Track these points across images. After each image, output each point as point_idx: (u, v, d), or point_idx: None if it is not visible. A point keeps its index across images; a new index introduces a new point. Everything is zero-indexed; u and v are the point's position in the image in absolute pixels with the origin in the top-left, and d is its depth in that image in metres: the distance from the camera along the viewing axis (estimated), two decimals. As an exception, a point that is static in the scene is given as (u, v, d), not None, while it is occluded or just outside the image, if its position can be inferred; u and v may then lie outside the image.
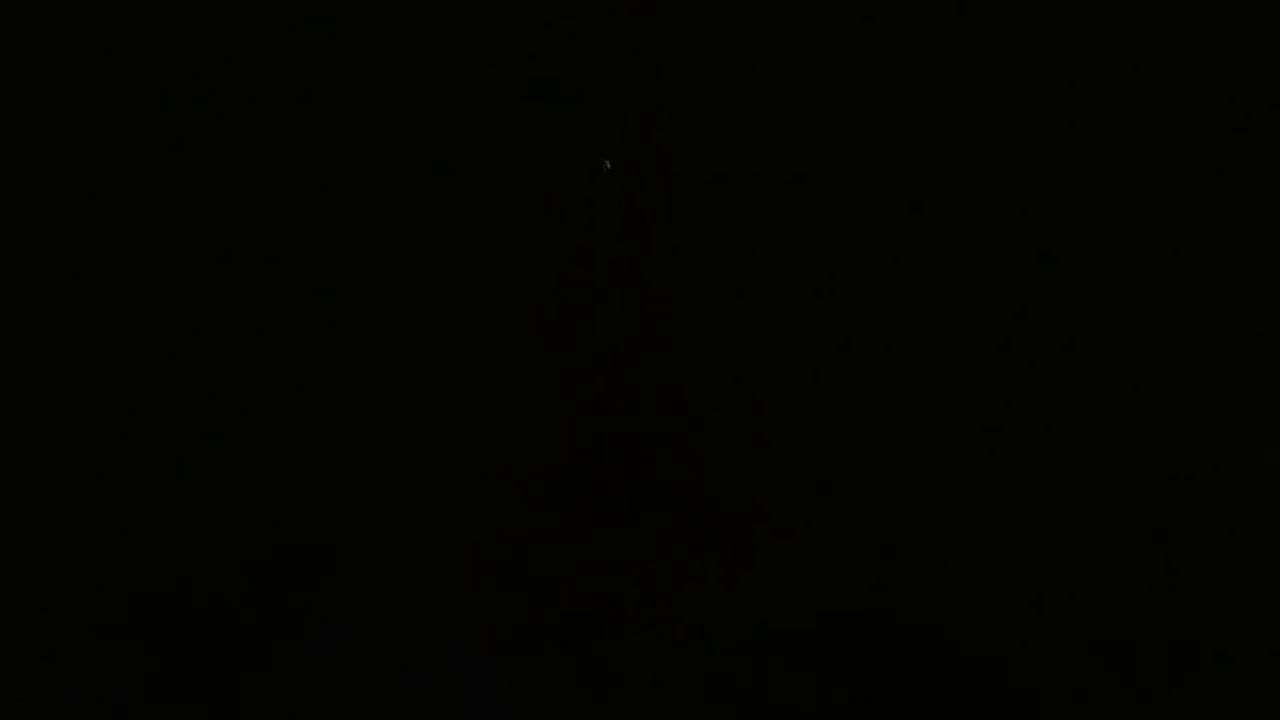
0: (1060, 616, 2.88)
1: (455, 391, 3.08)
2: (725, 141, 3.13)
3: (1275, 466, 2.92)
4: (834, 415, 3.04)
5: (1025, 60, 3.08)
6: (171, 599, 2.91)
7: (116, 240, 3.09)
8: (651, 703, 2.84)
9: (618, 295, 3.12)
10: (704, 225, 3.13)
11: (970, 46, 3.09)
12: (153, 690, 2.83)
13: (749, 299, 3.10)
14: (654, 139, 3.14)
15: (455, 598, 2.93)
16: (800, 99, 3.13)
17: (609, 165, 3.12)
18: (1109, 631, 2.86)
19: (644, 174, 3.14)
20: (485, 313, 3.11)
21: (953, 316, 3.06)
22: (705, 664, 2.87)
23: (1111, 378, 3.00)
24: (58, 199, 3.09)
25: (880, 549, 2.95)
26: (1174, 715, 2.79)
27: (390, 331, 3.09)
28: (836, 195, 3.11)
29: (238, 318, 3.08)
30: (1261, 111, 3.02)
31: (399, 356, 3.09)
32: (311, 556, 2.95)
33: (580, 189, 3.14)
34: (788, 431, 3.04)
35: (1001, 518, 2.96)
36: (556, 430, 3.05)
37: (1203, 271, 3.01)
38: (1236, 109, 3.03)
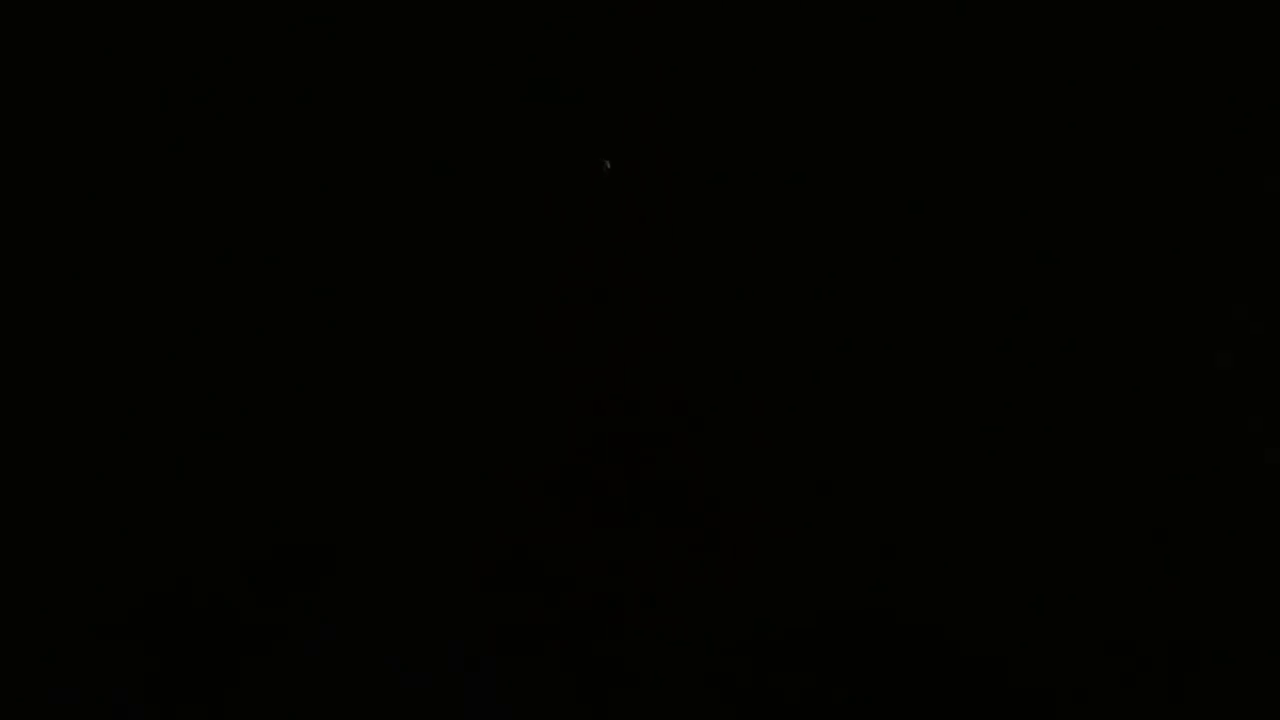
0: (1060, 616, 2.88)
1: (456, 391, 3.08)
2: (725, 141, 3.13)
3: (1275, 466, 2.92)
4: (834, 415, 3.04)
5: (1025, 60, 3.08)
6: (171, 599, 2.91)
7: (116, 241, 3.09)
8: (651, 703, 2.84)
9: (618, 295, 3.12)
10: (704, 225, 3.13)
11: (970, 46, 3.09)
12: (153, 690, 2.83)
13: (749, 299, 3.10)
14: (654, 139, 3.14)
15: (455, 598, 2.93)
16: (800, 99, 3.13)
17: (609, 165, 3.12)
18: (1109, 631, 2.86)
19: (644, 174, 3.14)
20: (485, 313, 3.11)
21: (952, 316, 3.05)
22: (705, 664, 2.87)
23: (1111, 378, 3.00)
24: (57, 199, 3.09)
25: (880, 549, 2.95)
26: (1174, 715, 2.79)
27: (391, 332, 3.09)
28: (836, 195, 3.11)
29: (238, 318, 3.08)
30: (1261, 111, 3.02)
31: (400, 357, 3.09)
32: (311, 556, 2.95)
33: (580, 189, 3.14)
34: (788, 431, 3.04)
35: (1001, 518, 2.95)
36: (557, 430, 3.05)
37: (1203, 271, 3.01)
38: (1236, 109, 3.03)
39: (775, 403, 3.06)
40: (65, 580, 2.91)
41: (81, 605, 2.89)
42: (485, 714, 2.83)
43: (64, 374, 3.04)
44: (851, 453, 3.02)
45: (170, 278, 3.09)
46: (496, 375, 3.09)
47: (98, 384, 3.03)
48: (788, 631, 2.89)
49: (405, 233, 3.13)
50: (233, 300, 3.09)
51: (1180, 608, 2.86)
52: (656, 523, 2.98)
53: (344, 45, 3.13)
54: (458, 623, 2.91)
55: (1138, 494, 2.94)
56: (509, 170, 3.14)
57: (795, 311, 3.09)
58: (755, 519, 2.99)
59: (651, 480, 3.01)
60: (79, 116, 3.10)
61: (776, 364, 3.07)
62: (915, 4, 3.10)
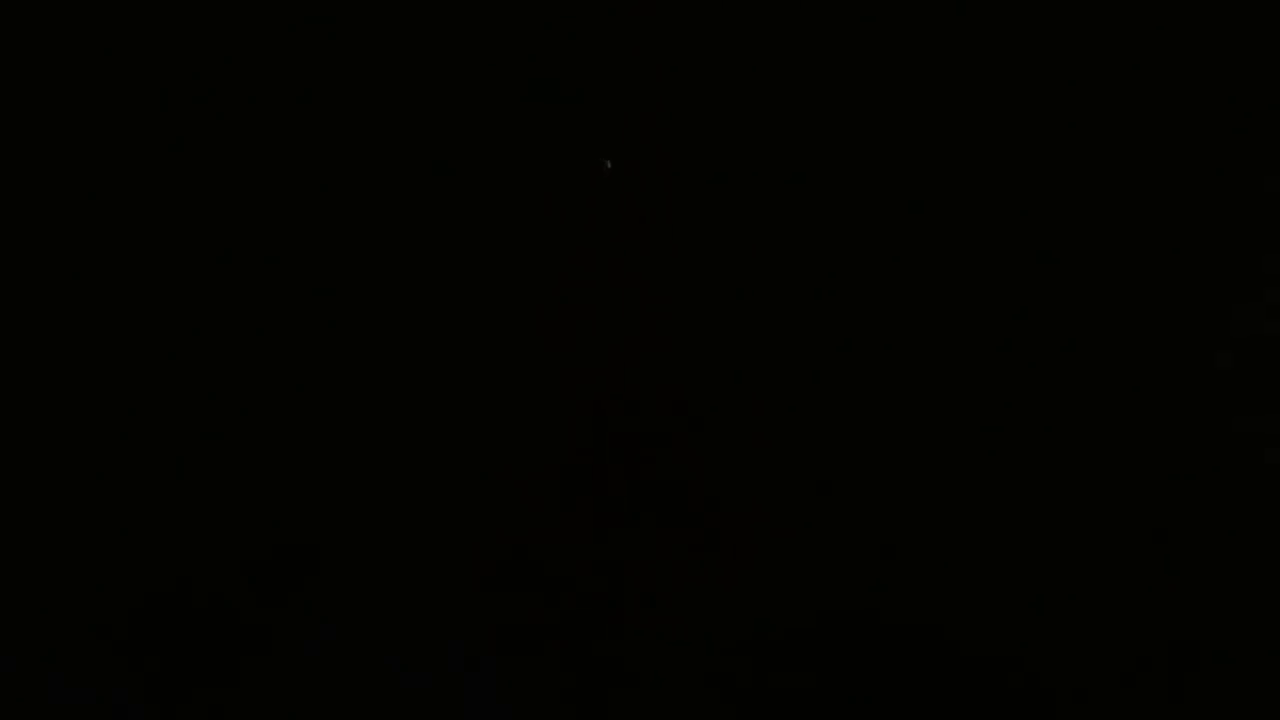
0: (1060, 617, 2.88)
1: (456, 392, 3.08)
2: (725, 141, 3.13)
3: (1275, 466, 2.92)
4: (834, 415, 3.04)
5: (1025, 60, 3.08)
6: (171, 599, 2.91)
7: (116, 241, 3.09)
8: (651, 703, 2.84)
9: (618, 295, 3.12)
10: (704, 225, 3.13)
11: (970, 46, 3.09)
12: (153, 690, 2.83)
13: (749, 299, 3.10)
14: (654, 139, 3.14)
15: (455, 598, 2.93)
16: (800, 99, 3.13)
17: (609, 165, 3.12)
18: (1109, 631, 2.86)
19: (644, 174, 3.14)
20: (486, 313, 3.11)
21: (953, 316, 3.06)
22: (705, 664, 2.87)
23: (1111, 378, 3.00)
24: (57, 199, 3.09)
25: (880, 549, 2.95)
26: (1174, 715, 2.79)
27: (391, 332, 3.09)
28: (836, 195, 3.11)
29: (238, 318, 3.08)
30: (1261, 111, 3.02)
31: (400, 357, 3.09)
32: (312, 556, 2.95)
33: (580, 189, 3.14)
34: (788, 431, 3.04)
35: (1001, 518, 2.95)
36: (557, 430, 3.05)
37: (1203, 271, 3.01)
38: (1236, 109, 3.03)
39: (775, 403, 3.06)
40: (65, 580, 2.91)
41: (81, 605, 2.89)
42: (485, 714, 2.83)
43: (64, 374, 3.04)
44: (851, 453, 3.02)
45: (170, 278, 3.09)
46: (497, 375, 3.09)
47: (97, 384, 3.03)
48: (788, 631, 2.89)
49: (404, 233, 3.13)
50: (233, 300, 3.09)
51: (1180, 608, 2.86)
52: (656, 523, 2.98)
53: (344, 45, 3.13)
54: (458, 623, 2.91)
55: (1138, 494, 2.94)
56: (509, 170, 3.14)
57: (795, 312, 3.09)
58: (755, 519, 2.99)
59: (651, 480, 3.01)
60: (79, 116, 3.10)
61: (776, 364, 3.07)
62: (915, 4, 3.10)
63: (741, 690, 2.84)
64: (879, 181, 3.10)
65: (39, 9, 3.09)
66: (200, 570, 2.93)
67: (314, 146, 3.13)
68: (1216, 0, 3.03)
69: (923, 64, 3.10)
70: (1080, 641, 2.86)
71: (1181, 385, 2.98)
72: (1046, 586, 2.90)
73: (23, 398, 3.01)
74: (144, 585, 2.91)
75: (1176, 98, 3.05)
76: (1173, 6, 3.04)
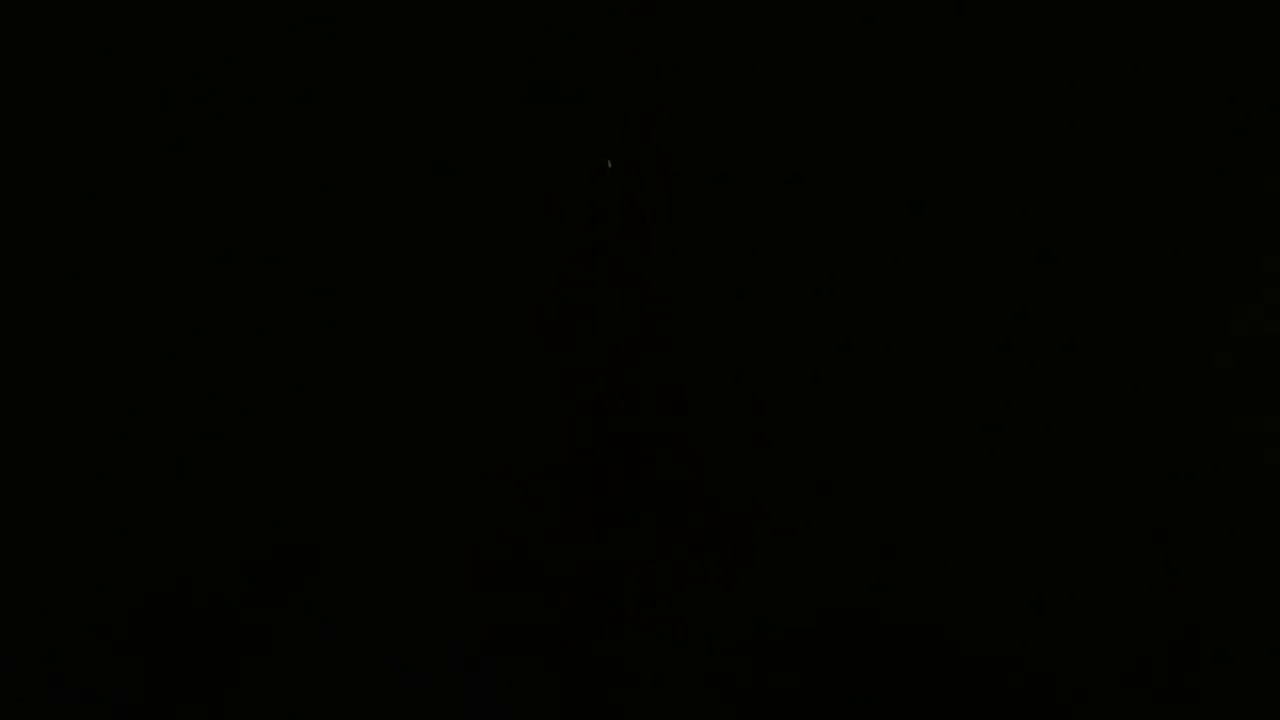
0: (1060, 617, 2.88)
1: (456, 392, 3.08)
2: (725, 141, 3.13)
3: (1275, 466, 2.92)
4: (834, 415, 3.04)
5: (1025, 60, 3.08)
6: (171, 599, 2.91)
7: (116, 241, 3.09)
8: (651, 703, 2.84)
9: (618, 295, 3.12)
10: (704, 225, 3.13)
11: (970, 46, 3.09)
12: (153, 690, 2.83)
13: (749, 299, 3.10)
14: (654, 139, 3.14)
15: (455, 598, 2.93)
16: (800, 99, 3.13)
17: (610, 165, 3.12)
18: (1109, 631, 2.86)
19: (644, 174, 3.14)
20: (486, 313, 3.11)
21: (952, 316, 3.06)
22: (705, 664, 2.87)
23: (1111, 378, 3.00)
24: (57, 199, 3.09)
25: (880, 549, 2.96)
26: (1174, 715, 2.79)
27: (391, 332, 3.09)
28: (836, 195, 3.11)
29: (238, 318, 3.08)
30: (1261, 111, 3.02)
31: (400, 357, 3.09)
32: (312, 556, 2.95)
33: (580, 189, 3.14)
34: (788, 431, 3.04)
35: (1001, 518, 2.96)
36: (557, 430, 3.05)
37: (1203, 271, 3.01)
38: (1236, 109, 3.03)
39: (775, 403, 3.06)
40: (65, 580, 2.91)
41: (81, 605, 2.89)
42: (485, 714, 2.83)
43: (64, 375, 3.04)
44: (851, 453, 3.02)
45: (169, 279, 3.09)
46: (497, 375, 3.09)
47: (97, 384, 3.03)
48: (788, 631, 2.89)
49: (404, 232, 3.13)
50: (233, 300, 3.09)
51: (1180, 608, 2.86)
52: (656, 523, 2.98)
53: (344, 45, 3.13)
54: (458, 623, 2.91)
55: (1138, 494, 2.94)
56: (509, 170, 3.14)
57: (795, 312, 3.09)
58: (755, 519, 2.99)
59: (651, 480, 3.01)
60: (79, 116, 3.10)
61: (776, 364, 3.07)
62: (915, 4, 3.10)
63: (741, 690, 2.84)
64: (879, 182, 3.11)
65: (39, 9, 3.09)
66: (200, 570, 2.93)
67: (314, 146, 3.13)
68: (1216, 0, 3.03)
69: (922, 64, 3.10)
70: (1080, 641, 2.86)
71: (1182, 385, 2.98)
72: (1046, 586, 2.90)
73: (23, 398, 3.02)
74: (144, 585, 2.92)
75: (1176, 98, 3.05)
76: (1172, 6, 3.04)
